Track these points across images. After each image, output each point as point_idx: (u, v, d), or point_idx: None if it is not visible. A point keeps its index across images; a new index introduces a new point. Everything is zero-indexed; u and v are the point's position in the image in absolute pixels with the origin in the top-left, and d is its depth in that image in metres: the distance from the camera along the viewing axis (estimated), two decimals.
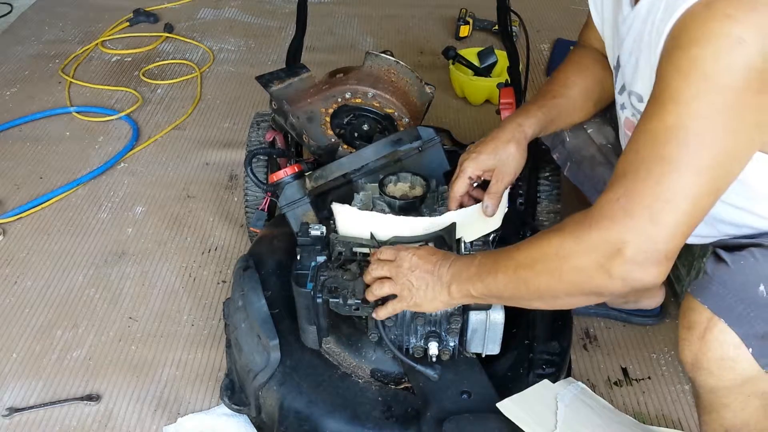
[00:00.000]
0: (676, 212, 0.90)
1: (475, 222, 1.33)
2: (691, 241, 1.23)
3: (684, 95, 0.90)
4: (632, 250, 0.91)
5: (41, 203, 2.11)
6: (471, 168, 1.31)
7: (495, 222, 1.34)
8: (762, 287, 1.00)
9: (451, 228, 1.26)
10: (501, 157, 1.30)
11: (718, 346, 1.01)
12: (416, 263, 1.13)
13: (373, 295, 1.16)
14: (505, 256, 1.05)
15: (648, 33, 1.01)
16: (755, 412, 1.07)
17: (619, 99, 1.24)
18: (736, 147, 0.91)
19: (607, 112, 1.41)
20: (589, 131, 1.42)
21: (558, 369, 1.31)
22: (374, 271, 1.17)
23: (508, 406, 1.15)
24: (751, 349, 1.00)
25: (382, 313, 1.17)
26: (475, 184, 1.34)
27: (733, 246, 1.06)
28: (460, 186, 1.31)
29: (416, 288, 1.12)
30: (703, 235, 1.19)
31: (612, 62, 1.26)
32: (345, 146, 1.57)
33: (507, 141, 1.30)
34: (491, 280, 1.05)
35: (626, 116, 1.22)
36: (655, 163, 0.91)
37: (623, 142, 1.30)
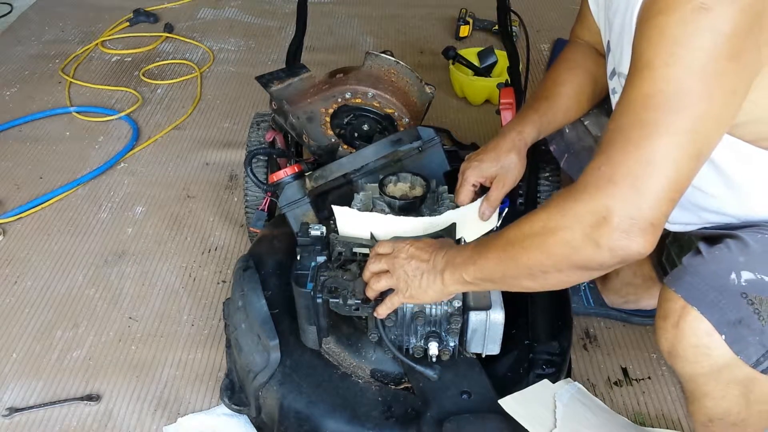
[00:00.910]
0: (659, 176, 0.90)
1: (474, 221, 1.34)
2: (675, 228, 1.24)
3: (657, 62, 0.91)
4: (618, 217, 0.90)
5: (41, 203, 2.11)
6: (473, 176, 1.34)
7: (493, 221, 1.36)
8: (734, 275, 1.01)
9: (452, 228, 1.26)
10: (503, 165, 1.33)
11: (691, 334, 1.03)
12: (412, 253, 1.13)
13: (372, 290, 1.16)
14: (495, 237, 1.06)
15: (629, 14, 1.03)
16: (736, 400, 1.08)
17: (610, 84, 1.25)
18: (713, 110, 0.91)
19: (604, 104, 1.42)
20: (585, 123, 1.44)
21: (558, 369, 1.31)
22: (372, 265, 1.17)
23: (509, 403, 1.16)
24: (723, 336, 1.01)
25: (382, 310, 1.17)
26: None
27: (714, 236, 1.07)
28: (465, 195, 1.34)
29: (411, 278, 1.12)
30: (687, 222, 1.20)
31: (604, 43, 1.27)
32: (345, 146, 1.57)
33: (508, 150, 1.33)
34: (483, 261, 1.05)
35: (617, 100, 1.23)
36: (634, 129, 0.92)
37: None
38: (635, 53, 0.95)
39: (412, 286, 1.12)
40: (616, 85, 1.21)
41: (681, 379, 1.12)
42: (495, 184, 1.33)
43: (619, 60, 1.13)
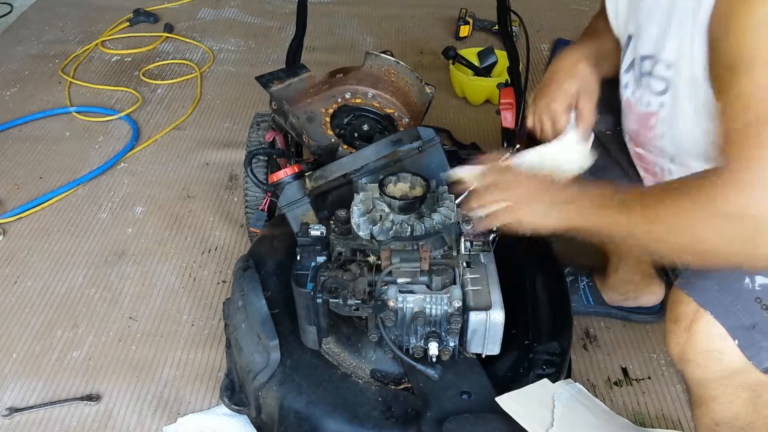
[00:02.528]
0: None
1: (571, 152, 1.28)
2: None
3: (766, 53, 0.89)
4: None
5: (41, 203, 2.11)
6: (559, 103, 1.26)
7: (588, 159, 1.30)
8: (747, 280, 1.01)
9: (451, 228, 1.26)
10: (582, 75, 1.26)
11: (704, 338, 1.02)
12: (540, 179, 1.10)
13: (481, 200, 1.12)
14: (633, 197, 1.01)
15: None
16: (744, 404, 1.08)
17: (624, 78, 1.22)
18: None
19: (607, 97, 1.40)
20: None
21: (558, 369, 1.32)
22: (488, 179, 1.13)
23: (506, 401, 1.15)
24: (737, 341, 1.01)
25: (490, 221, 1.13)
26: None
27: None
28: (563, 124, 1.27)
29: (528, 199, 1.08)
30: None
31: (623, 37, 1.24)
32: (345, 146, 1.57)
33: (576, 61, 1.27)
34: (618, 215, 1.00)
35: (627, 96, 1.21)
36: (764, 126, 0.88)
37: (625, 125, 1.30)
38: (732, 46, 0.92)
39: (523, 210, 1.08)
40: (629, 80, 1.19)
41: (689, 383, 1.11)
42: (582, 99, 1.26)
43: (656, 48, 1.10)
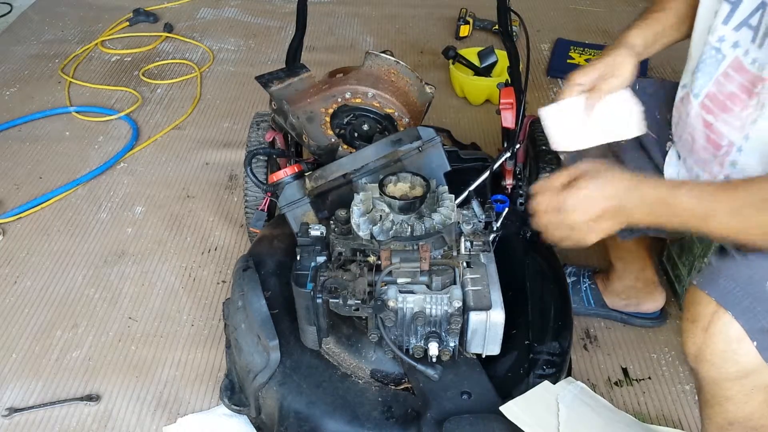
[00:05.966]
0: None
1: (625, 114, 1.28)
2: None
3: None
4: None
5: (41, 203, 2.11)
6: (578, 76, 1.26)
7: (636, 128, 1.28)
8: None
9: (451, 228, 1.26)
10: (608, 62, 1.26)
11: (721, 339, 1.02)
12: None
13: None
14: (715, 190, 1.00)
15: None
16: (759, 405, 1.08)
17: (732, 36, 1.13)
18: None
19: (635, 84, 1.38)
20: None
21: (558, 369, 1.31)
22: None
23: (510, 409, 1.15)
24: (755, 343, 1.00)
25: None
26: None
27: None
28: (566, 94, 1.28)
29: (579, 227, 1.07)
30: None
31: None
32: (345, 146, 1.57)
33: (613, 49, 1.27)
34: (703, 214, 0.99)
35: (736, 55, 1.13)
36: None
37: (701, 87, 1.20)
38: None
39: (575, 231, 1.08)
40: (740, 38, 1.11)
41: (702, 382, 1.11)
42: (601, 77, 1.26)
43: None
